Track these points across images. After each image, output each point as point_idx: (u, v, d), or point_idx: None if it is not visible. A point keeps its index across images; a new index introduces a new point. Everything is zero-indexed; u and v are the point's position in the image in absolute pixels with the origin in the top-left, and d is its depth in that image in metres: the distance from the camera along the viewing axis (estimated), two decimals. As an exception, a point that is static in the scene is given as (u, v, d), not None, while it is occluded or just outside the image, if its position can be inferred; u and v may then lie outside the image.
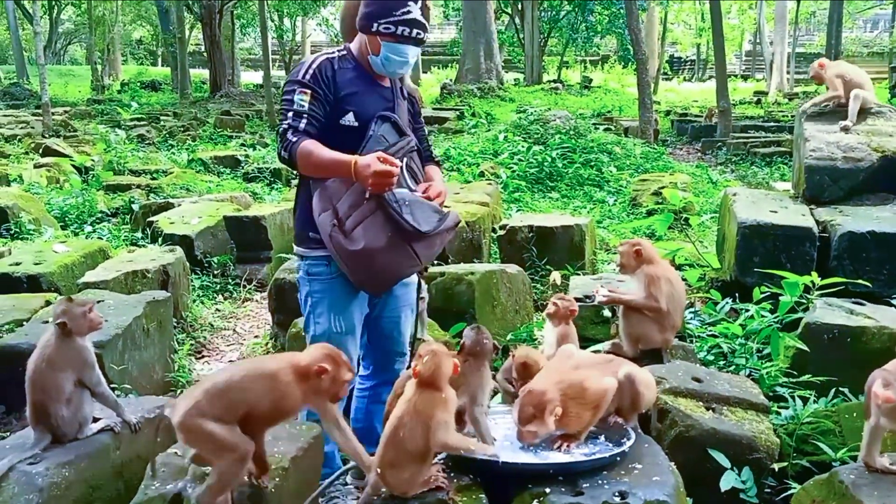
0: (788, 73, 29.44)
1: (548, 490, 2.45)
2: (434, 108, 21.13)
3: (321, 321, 3.30)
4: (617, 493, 2.42)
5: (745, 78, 37.85)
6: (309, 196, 3.23)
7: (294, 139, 3.09)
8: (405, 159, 3.22)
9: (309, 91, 3.15)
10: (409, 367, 3.11)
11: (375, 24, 3.15)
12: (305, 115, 3.14)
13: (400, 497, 2.46)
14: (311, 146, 3.09)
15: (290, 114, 3.14)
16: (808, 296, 4.42)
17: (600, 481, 2.48)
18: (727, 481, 2.93)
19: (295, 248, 3.46)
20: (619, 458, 2.59)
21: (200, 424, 2.39)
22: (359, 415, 3.60)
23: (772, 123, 18.00)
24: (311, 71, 3.18)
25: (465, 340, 2.74)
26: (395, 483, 2.46)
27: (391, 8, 3.14)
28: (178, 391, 4.68)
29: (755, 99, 25.53)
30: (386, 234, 3.06)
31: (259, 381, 2.49)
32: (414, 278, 3.46)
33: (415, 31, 3.17)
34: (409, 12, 3.14)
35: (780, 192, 7.13)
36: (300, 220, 3.38)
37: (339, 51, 3.32)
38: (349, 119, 3.20)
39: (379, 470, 2.47)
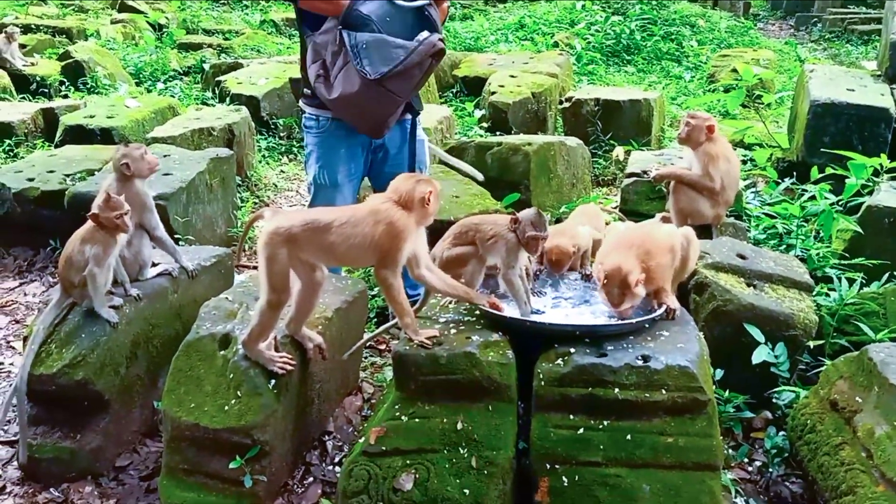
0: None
1: (572, 350, 2.52)
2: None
3: (311, 170, 3.51)
4: (640, 357, 2.48)
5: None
6: (306, 52, 3.34)
7: None
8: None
9: None
10: None
11: None
12: None
13: (426, 346, 2.56)
14: None
15: None
16: (876, 179, 4.27)
17: (625, 345, 2.54)
18: (759, 355, 2.96)
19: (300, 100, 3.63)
20: (647, 325, 2.62)
21: (276, 248, 2.51)
22: None
23: (876, -2, 16.72)
24: None
25: (520, 215, 2.75)
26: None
27: None
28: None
29: (863, -30, 23.67)
30: (359, 79, 3.09)
31: (364, 223, 2.52)
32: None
33: None
34: None
35: (865, 70, 6.74)
36: (301, 75, 3.49)
37: None
38: None
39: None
